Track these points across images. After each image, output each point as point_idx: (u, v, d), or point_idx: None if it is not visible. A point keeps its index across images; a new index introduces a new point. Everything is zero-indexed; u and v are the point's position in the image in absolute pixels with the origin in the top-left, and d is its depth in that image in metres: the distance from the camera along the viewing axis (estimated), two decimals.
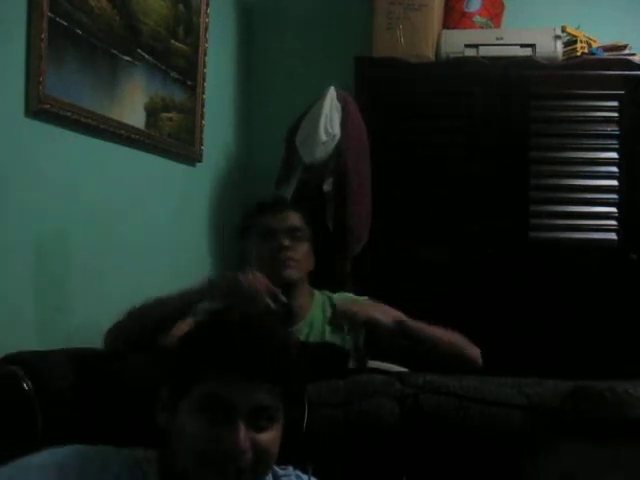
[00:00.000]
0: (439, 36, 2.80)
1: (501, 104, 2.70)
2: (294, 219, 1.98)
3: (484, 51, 2.74)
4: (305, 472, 1.25)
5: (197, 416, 1.07)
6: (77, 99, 1.75)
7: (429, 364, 1.69)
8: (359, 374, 1.63)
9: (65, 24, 1.69)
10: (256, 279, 1.76)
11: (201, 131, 2.49)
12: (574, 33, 2.77)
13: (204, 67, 2.48)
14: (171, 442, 1.10)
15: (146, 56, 2.09)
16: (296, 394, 1.18)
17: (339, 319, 1.90)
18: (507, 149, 2.70)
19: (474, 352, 1.82)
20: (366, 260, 2.02)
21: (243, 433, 1.06)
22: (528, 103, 2.70)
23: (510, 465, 1.25)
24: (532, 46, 2.72)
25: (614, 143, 2.68)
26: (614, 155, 2.68)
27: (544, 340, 2.50)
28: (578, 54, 2.74)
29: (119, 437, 1.17)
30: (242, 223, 2.11)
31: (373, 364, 1.96)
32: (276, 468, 1.23)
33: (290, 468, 1.25)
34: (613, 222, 2.67)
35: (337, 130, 2.51)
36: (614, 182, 2.68)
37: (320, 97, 2.55)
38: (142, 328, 1.61)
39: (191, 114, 2.43)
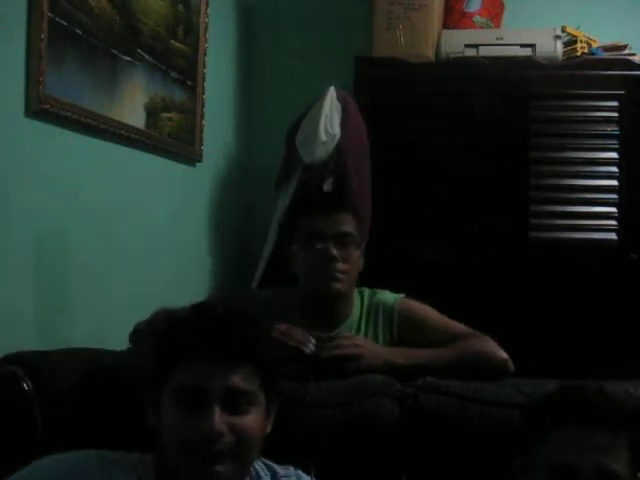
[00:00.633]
0: (439, 36, 2.80)
1: (501, 104, 2.70)
2: (345, 223, 1.82)
3: (484, 51, 2.74)
4: (307, 472, 1.25)
5: (175, 408, 1.09)
6: (77, 99, 1.75)
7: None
8: None
9: (65, 24, 1.69)
10: (289, 332, 1.65)
11: (201, 131, 2.49)
12: (574, 33, 2.77)
13: (204, 67, 2.48)
14: (161, 441, 1.11)
15: (146, 56, 2.09)
16: (271, 376, 1.17)
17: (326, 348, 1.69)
18: (507, 149, 2.70)
19: (497, 359, 1.68)
20: (366, 260, 2.01)
21: (218, 416, 1.06)
22: (528, 103, 2.70)
23: (510, 465, 1.25)
24: (532, 46, 2.72)
25: (614, 143, 2.68)
26: (614, 155, 2.68)
27: (544, 340, 2.50)
28: (578, 54, 2.74)
29: (119, 437, 1.17)
30: (285, 221, 1.97)
31: None
32: (277, 468, 1.23)
33: (291, 468, 1.25)
34: (613, 222, 2.67)
35: (337, 130, 2.51)
36: (614, 182, 2.68)
37: (320, 97, 2.55)
38: None
39: (191, 114, 2.43)
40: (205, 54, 2.48)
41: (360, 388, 1.56)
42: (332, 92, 2.56)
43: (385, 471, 1.46)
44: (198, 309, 1.16)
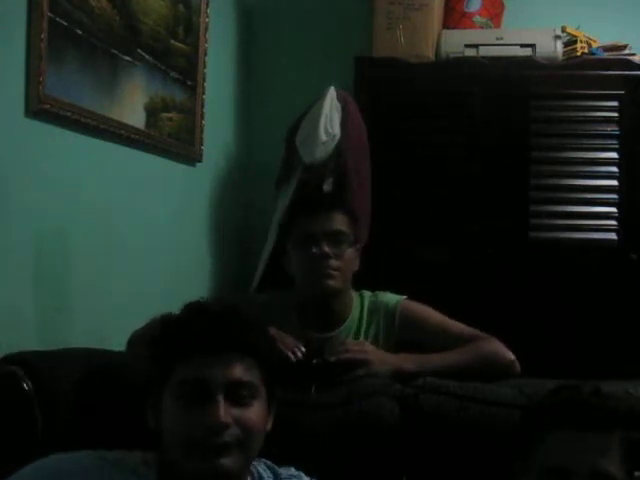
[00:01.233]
0: (439, 36, 2.79)
1: (501, 104, 2.70)
2: (338, 221, 1.83)
3: (484, 51, 2.74)
4: (309, 475, 1.25)
5: (177, 405, 1.09)
6: (77, 99, 1.75)
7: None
8: None
9: (65, 24, 1.69)
10: (277, 337, 1.63)
11: (201, 131, 2.49)
12: (574, 33, 2.77)
13: (204, 67, 2.48)
14: (162, 440, 1.11)
15: (146, 56, 2.09)
16: (272, 370, 1.18)
17: (333, 352, 1.70)
18: (507, 149, 2.70)
19: (505, 361, 1.70)
20: (366, 260, 2.01)
21: (223, 407, 1.07)
22: (528, 103, 2.70)
23: (509, 466, 1.25)
24: (532, 46, 2.72)
25: (614, 143, 2.68)
26: (614, 155, 2.68)
27: (544, 340, 2.50)
28: (578, 54, 2.74)
29: (119, 437, 1.17)
30: (282, 222, 1.99)
31: None
32: (278, 469, 1.23)
33: (292, 469, 1.25)
34: (613, 222, 2.67)
35: (337, 130, 2.51)
36: (614, 182, 2.67)
37: (320, 97, 2.55)
38: None
39: (191, 114, 2.43)
40: (205, 54, 2.48)
41: (360, 388, 1.56)
42: (332, 92, 2.56)
43: (385, 471, 1.46)
44: (193, 307, 1.16)
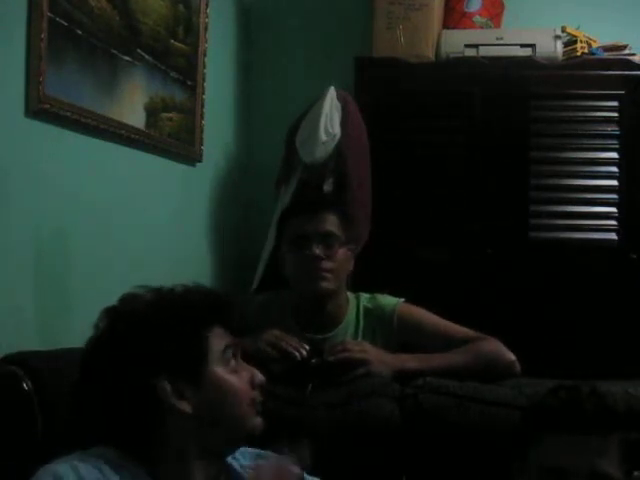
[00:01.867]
0: (439, 36, 2.79)
1: (501, 104, 2.70)
2: (328, 222, 1.83)
3: (484, 51, 2.74)
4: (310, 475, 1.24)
5: (227, 368, 1.14)
6: (77, 99, 1.75)
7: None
8: None
9: (65, 24, 1.69)
10: (281, 337, 1.68)
11: (201, 131, 2.49)
12: (574, 33, 2.77)
13: (204, 67, 2.48)
14: (198, 421, 1.10)
15: (146, 56, 2.09)
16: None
17: (332, 352, 1.70)
18: (507, 149, 2.70)
19: (506, 361, 1.70)
20: (366, 260, 2.02)
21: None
22: (528, 103, 2.70)
23: (509, 466, 1.25)
24: (532, 46, 2.72)
25: (614, 143, 2.68)
26: (614, 155, 2.68)
27: (544, 340, 2.50)
28: (578, 54, 2.74)
29: (119, 438, 1.17)
30: (277, 224, 2.00)
31: None
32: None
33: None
34: (613, 222, 2.67)
35: (337, 130, 2.51)
36: (614, 182, 2.67)
37: (320, 97, 2.55)
38: None
39: (191, 114, 2.43)
40: (205, 54, 2.48)
41: (360, 388, 1.56)
42: (332, 92, 2.56)
43: (385, 471, 1.46)
44: (185, 286, 1.22)
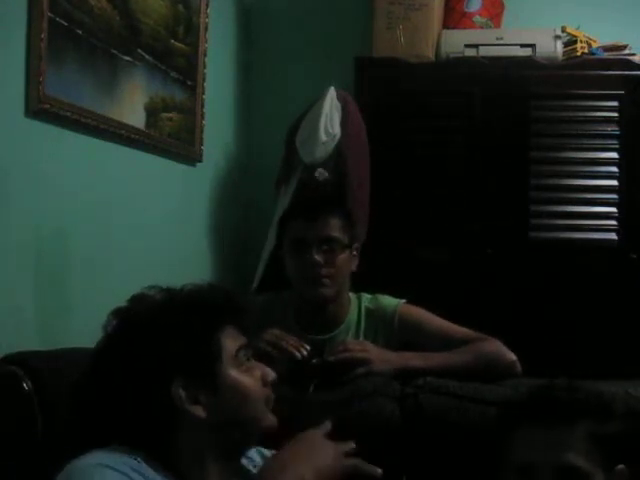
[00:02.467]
0: (439, 36, 2.79)
1: (501, 104, 2.70)
2: (331, 227, 1.80)
3: (484, 51, 2.74)
4: None
5: (240, 368, 1.13)
6: (77, 99, 1.75)
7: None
8: None
9: (65, 24, 1.69)
10: (282, 337, 1.68)
11: (201, 131, 2.49)
12: (574, 33, 2.77)
13: (204, 67, 2.48)
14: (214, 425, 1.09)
15: (146, 56, 2.09)
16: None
17: (333, 351, 1.71)
18: (507, 149, 2.70)
19: (507, 362, 1.70)
20: (366, 260, 2.02)
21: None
22: (528, 103, 2.70)
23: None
24: (532, 46, 2.72)
25: (614, 143, 2.68)
26: (614, 155, 2.68)
27: (544, 340, 2.50)
28: (578, 54, 2.74)
29: (119, 437, 1.17)
30: (278, 224, 1.98)
31: None
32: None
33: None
34: (613, 222, 2.67)
35: (337, 130, 2.51)
36: (614, 182, 2.67)
37: (320, 97, 2.55)
38: None
39: (191, 114, 2.43)
40: (205, 54, 2.48)
41: (360, 388, 1.56)
42: (332, 92, 2.56)
43: (385, 471, 1.46)
44: (197, 285, 1.21)
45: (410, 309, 1.86)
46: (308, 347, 1.67)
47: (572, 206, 2.69)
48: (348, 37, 2.97)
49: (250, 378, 1.14)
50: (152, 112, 2.15)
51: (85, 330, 1.82)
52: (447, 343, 1.76)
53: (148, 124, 2.13)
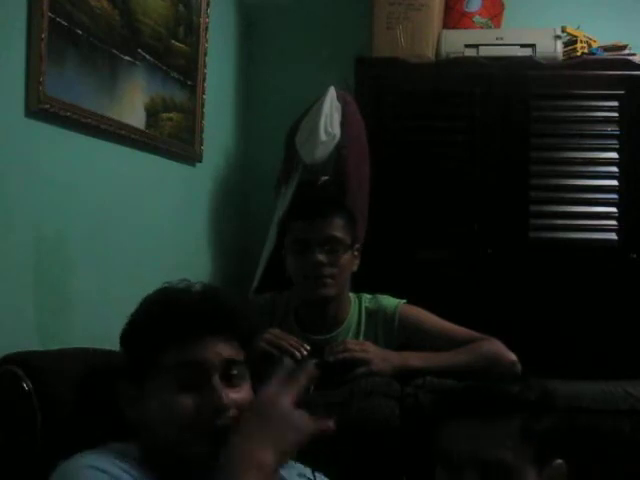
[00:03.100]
0: (439, 36, 2.80)
1: (501, 104, 2.70)
2: (333, 227, 1.80)
3: (484, 51, 2.74)
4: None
5: (167, 389, 1.06)
6: (77, 99, 1.75)
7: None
8: None
9: (65, 24, 1.68)
10: (282, 336, 1.68)
11: (201, 131, 2.49)
12: (574, 33, 2.77)
13: (204, 67, 2.48)
14: (142, 431, 1.10)
15: (146, 56, 2.09)
16: (252, 349, 1.18)
17: (333, 351, 1.70)
18: (507, 149, 2.70)
19: (507, 361, 1.70)
20: (366, 261, 2.02)
21: (223, 389, 1.05)
22: (528, 103, 2.70)
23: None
24: (532, 46, 2.72)
25: (614, 143, 2.68)
26: (614, 155, 2.68)
27: (544, 340, 2.50)
28: (578, 54, 2.74)
29: (119, 438, 1.17)
30: (280, 226, 1.98)
31: None
32: None
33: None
34: (613, 222, 2.67)
35: (337, 130, 2.51)
36: (614, 182, 2.68)
37: (320, 97, 2.55)
38: None
39: (191, 114, 2.43)
40: (205, 54, 2.48)
41: (360, 388, 1.56)
42: (332, 92, 2.56)
43: (385, 471, 1.46)
44: (169, 293, 1.16)
45: (410, 309, 1.86)
46: (308, 347, 1.67)
47: (572, 206, 2.70)
48: (348, 37, 2.97)
49: (180, 399, 1.05)
50: (152, 112, 2.15)
51: (85, 330, 1.82)
52: (447, 343, 1.76)
53: (148, 124, 2.13)
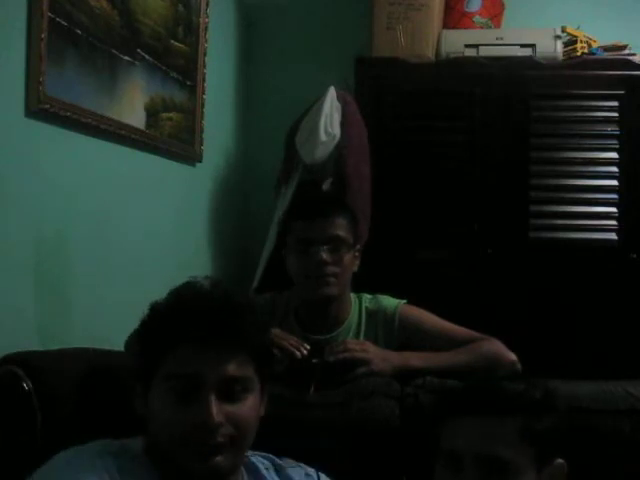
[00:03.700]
0: (439, 36, 2.80)
1: (501, 104, 2.70)
2: (336, 227, 1.79)
3: (484, 51, 2.74)
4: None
5: (166, 398, 1.06)
6: (77, 99, 1.75)
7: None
8: None
9: (65, 24, 1.69)
10: (282, 336, 1.66)
11: (201, 131, 2.49)
12: (574, 33, 2.77)
13: (204, 67, 2.48)
14: (151, 426, 1.10)
15: (146, 56, 2.09)
16: (265, 359, 1.15)
17: (333, 351, 1.68)
18: (507, 149, 2.70)
19: (507, 361, 1.69)
20: (366, 261, 2.01)
21: (215, 406, 1.03)
22: (528, 103, 2.70)
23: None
24: (532, 46, 2.72)
25: (614, 143, 2.68)
26: (614, 155, 2.68)
27: (544, 340, 2.50)
28: (578, 54, 2.74)
29: (119, 437, 1.17)
30: (280, 226, 1.97)
31: None
32: (278, 459, 1.23)
33: (290, 460, 1.24)
34: (613, 222, 2.67)
35: (337, 130, 2.51)
36: (614, 182, 2.68)
37: (320, 97, 2.55)
38: None
39: (191, 114, 2.43)
40: (205, 54, 2.48)
41: (360, 388, 1.56)
42: (332, 92, 2.56)
43: (385, 471, 1.46)
44: (183, 296, 1.13)
45: (410, 309, 1.86)
46: (308, 347, 1.67)
47: (572, 206, 2.70)
48: (348, 37, 2.97)
49: (174, 409, 1.05)
50: (152, 112, 2.15)
51: (85, 330, 1.82)
52: (447, 343, 1.76)
53: (148, 124, 2.13)
